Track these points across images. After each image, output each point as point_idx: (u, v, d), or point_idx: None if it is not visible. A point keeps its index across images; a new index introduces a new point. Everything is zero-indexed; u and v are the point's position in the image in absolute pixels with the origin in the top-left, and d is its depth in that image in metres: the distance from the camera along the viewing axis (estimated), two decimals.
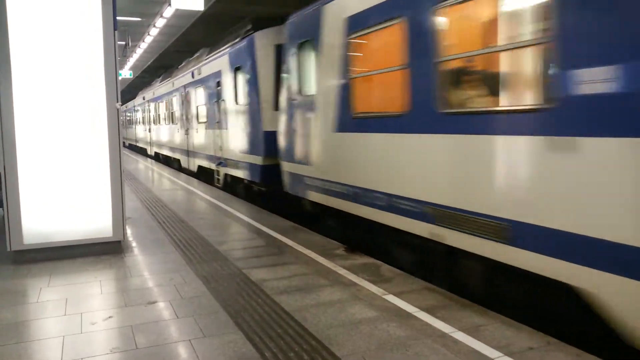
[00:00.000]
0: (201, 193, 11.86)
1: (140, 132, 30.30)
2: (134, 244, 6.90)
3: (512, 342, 3.67)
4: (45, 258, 6.08)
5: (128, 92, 48.08)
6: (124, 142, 42.03)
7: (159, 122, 22.32)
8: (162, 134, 21.87)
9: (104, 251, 6.33)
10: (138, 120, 30.85)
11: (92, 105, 6.12)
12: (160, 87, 22.15)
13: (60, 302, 4.68)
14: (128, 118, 37.55)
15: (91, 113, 6.13)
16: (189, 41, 23.51)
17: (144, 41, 22.74)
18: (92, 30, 6.05)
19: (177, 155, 18.69)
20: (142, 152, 30.32)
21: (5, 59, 5.70)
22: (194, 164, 15.80)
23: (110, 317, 4.30)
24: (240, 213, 9.06)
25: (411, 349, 3.59)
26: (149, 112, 25.20)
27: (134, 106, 32.25)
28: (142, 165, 20.95)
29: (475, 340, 3.71)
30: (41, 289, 5.07)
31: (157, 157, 24.19)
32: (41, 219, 6.02)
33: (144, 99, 26.96)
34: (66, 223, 6.11)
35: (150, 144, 25.39)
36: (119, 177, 6.28)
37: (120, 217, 6.31)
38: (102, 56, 6.09)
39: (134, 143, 34.57)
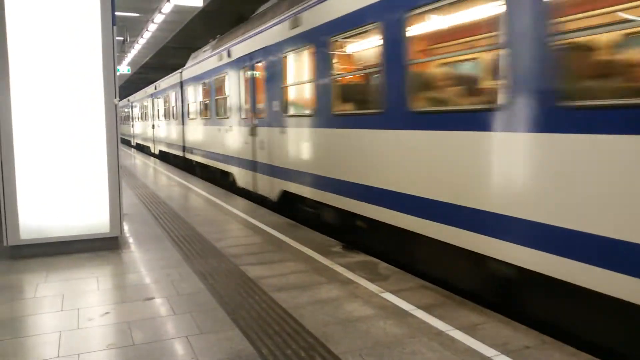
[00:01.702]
0: (197, 189, 11.84)
1: (198, 134, 15.05)
2: (130, 240, 6.90)
3: (508, 341, 3.68)
4: (42, 253, 6.07)
5: (126, 87, 47.73)
6: (142, 146, 27.44)
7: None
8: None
9: (101, 247, 6.32)
10: (194, 110, 15.39)
11: (90, 101, 6.10)
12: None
13: (57, 297, 4.68)
14: (158, 109, 22.34)
15: (89, 108, 6.11)
16: (188, 37, 23.49)
17: (142, 37, 22.69)
18: (90, 25, 6.03)
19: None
20: (182, 164, 18.01)
21: (3, 53, 5.68)
22: None
23: (107, 313, 4.30)
24: (236, 209, 9.06)
25: (408, 347, 3.59)
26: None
27: (184, 84, 16.62)
28: (140, 161, 20.89)
29: (472, 338, 3.72)
30: (38, 284, 5.07)
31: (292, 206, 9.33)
32: (38, 215, 6.00)
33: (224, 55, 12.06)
34: (63, 218, 6.10)
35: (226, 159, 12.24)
36: (117, 173, 6.26)
37: (117, 213, 6.30)
38: (101, 52, 6.07)
39: (164, 149, 21.25)
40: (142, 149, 29.38)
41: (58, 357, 3.50)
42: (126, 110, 35.27)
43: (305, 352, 3.52)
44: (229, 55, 11.61)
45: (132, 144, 34.15)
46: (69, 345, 3.67)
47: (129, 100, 34.79)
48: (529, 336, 3.75)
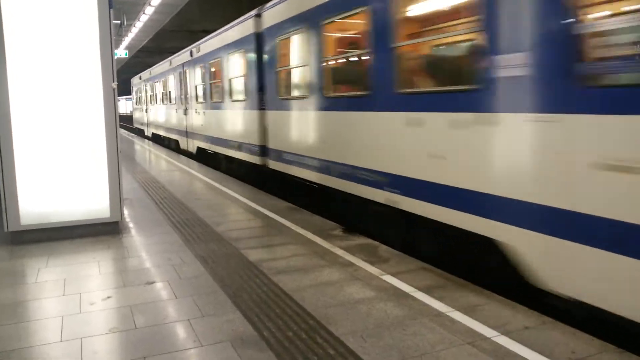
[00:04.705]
0: (198, 174, 11.84)
1: None
2: (131, 225, 6.91)
3: (508, 322, 3.70)
4: (43, 239, 6.08)
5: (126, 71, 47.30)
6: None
7: None
8: None
9: (101, 232, 6.33)
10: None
11: (88, 85, 6.06)
12: None
13: (58, 282, 4.70)
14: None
15: (87, 93, 6.07)
16: (185, 20, 23.26)
17: (139, 20, 22.47)
18: (87, 9, 5.96)
19: None
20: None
21: None
22: None
23: (108, 297, 4.32)
24: (237, 194, 9.06)
25: (409, 328, 3.62)
26: None
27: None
28: (139, 147, 20.86)
29: (472, 319, 3.75)
30: (39, 269, 5.09)
31: None
32: (38, 200, 6.00)
33: None
34: (64, 204, 6.10)
35: None
36: (116, 158, 6.24)
37: (117, 198, 6.30)
38: (98, 35, 6.01)
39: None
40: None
41: (61, 341, 3.53)
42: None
43: (306, 334, 3.55)
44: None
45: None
46: (72, 330, 3.69)
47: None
48: (529, 317, 3.77)
